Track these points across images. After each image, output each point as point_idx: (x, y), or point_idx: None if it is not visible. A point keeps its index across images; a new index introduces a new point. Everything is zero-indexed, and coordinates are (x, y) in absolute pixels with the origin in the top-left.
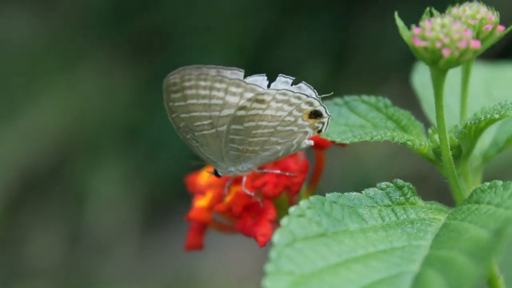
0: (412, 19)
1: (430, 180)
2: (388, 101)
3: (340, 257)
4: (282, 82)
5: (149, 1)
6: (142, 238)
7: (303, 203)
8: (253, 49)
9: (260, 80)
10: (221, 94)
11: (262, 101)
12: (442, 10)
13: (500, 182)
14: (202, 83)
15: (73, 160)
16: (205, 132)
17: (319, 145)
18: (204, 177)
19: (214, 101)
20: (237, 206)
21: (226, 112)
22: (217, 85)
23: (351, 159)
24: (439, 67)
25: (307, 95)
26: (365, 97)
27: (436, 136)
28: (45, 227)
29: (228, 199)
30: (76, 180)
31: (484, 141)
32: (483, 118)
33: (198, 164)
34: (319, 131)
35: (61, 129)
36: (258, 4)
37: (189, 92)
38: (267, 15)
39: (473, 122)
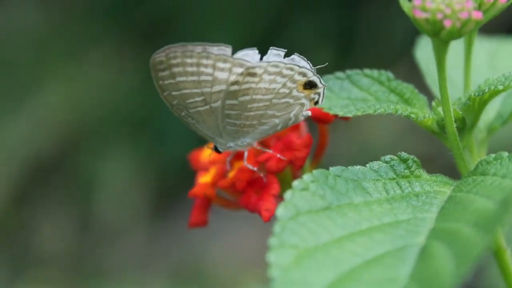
0: None
1: (437, 161)
2: (390, 75)
3: (344, 230)
4: (274, 54)
5: None
6: (150, 225)
7: (306, 176)
8: (260, 35)
9: (251, 53)
10: (209, 70)
11: (254, 75)
12: None
13: (505, 154)
14: (189, 60)
15: (81, 148)
16: (199, 108)
17: (322, 119)
18: (207, 153)
19: (203, 77)
20: (240, 182)
21: (217, 88)
22: (204, 61)
23: (355, 141)
24: (441, 38)
25: (299, 66)
26: (367, 71)
27: (440, 109)
28: (53, 215)
29: (231, 174)
30: (84, 168)
31: (489, 114)
32: (487, 90)
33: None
34: (316, 102)
35: (69, 117)
36: None
37: (176, 69)
38: (271, 5)
39: (477, 94)
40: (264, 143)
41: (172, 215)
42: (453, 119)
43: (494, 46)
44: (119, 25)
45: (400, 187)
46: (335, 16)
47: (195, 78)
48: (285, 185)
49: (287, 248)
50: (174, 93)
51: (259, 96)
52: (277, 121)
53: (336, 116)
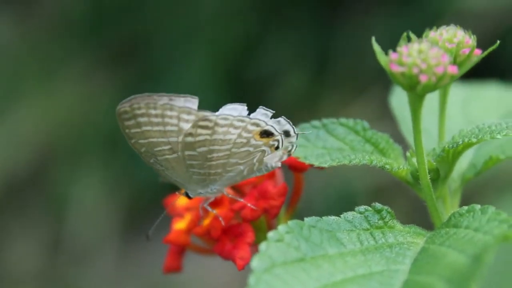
0: (392, 32)
1: (410, 191)
2: (366, 124)
3: (319, 282)
4: (262, 114)
5: (128, 9)
6: (122, 245)
7: (281, 227)
8: (233, 58)
9: (239, 109)
10: (174, 121)
11: (205, 127)
12: (421, 25)
13: (478, 206)
14: (153, 112)
15: (54, 167)
16: (167, 156)
17: (298, 168)
18: (182, 199)
19: (169, 127)
20: (215, 230)
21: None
22: (168, 113)
23: (330, 170)
24: (417, 92)
25: (250, 118)
26: (343, 120)
27: (414, 160)
28: (25, 233)
29: (206, 222)
30: (57, 187)
31: (462, 164)
32: (461, 142)
33: (167, 181)
34: (277, 148)
35: (41, 136)
36: (239, 13)
37: (141, 119)
38: (248, 24)
39: (451, 146)
40: (239, 190)
41: (143, 235)
42: (427, 171)
43: (467, 93)
44: (93, 43)
45: (374, 238)
46: (311, 36)
47: (160, 128)
48: (260, 232)
49: None
50: (141, 141)
51: (216, 147)
52: (241, 167)
53: (311, 165)
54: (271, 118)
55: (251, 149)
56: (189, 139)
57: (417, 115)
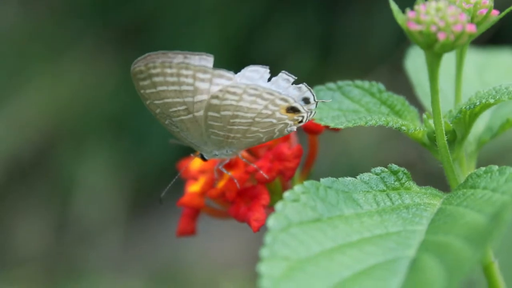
0: (405, 4)
1: (417, 168)
2: (381, 86)
3: (335, 242)
4: (283, 79)
5: None
6: (128, 226)
7: (297, 188)
8: (239, 39)
9: (262, 71)
10: (189, 80)
11: (234, 93)
12: None
13: (495, 167)
14: (168, 70)
15: (59, 149)
16: (182, 117)
17: (313, 130)
18: (196, 162)
19: (184, 87)
20: (230, 191)
21: (199, 97)
22: (184, 71)
23: (339, 148)
24: (434, 51)
25: (279, 92)
26: (358, 82)
27: (431, 121)
28: (31, 216)
29: (221, 184)
30: (62, 169)
31: (479, 127)
32: (478, 103)
33: (178, 143)
34: (300, 122)
35: (47, 118)
36: None
37: (157, 79)
38: (253, 6)
39: (468, 107)
40: (254, 153)
41: (149, 216)
42: (444, 132)
43: (483, 59)
44: (99, 24)
45: (390, 199)
46: (316, 19)
47: (176, 87)
48: (275, 195)
49: (278, 260)
50: (156, 102)
51: (241, 113)
52: (261, 135)
53: (326, 127)
54: (292, 84)
55: (274, 121)
56: (215, 101)
57: (435, 74)
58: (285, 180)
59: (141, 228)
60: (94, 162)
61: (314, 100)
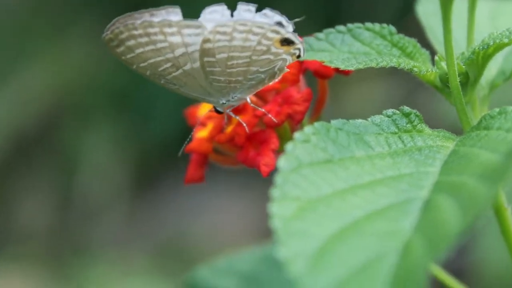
0: None
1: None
2: (393, 28)
3: (347, 183)
4: (244, 10)
5: None
6: (132, 202)
7: (308, 129)
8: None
9: (219, 10)
10: (160, 37)
11: (224, 33)
12: None
13: (510, 108)
14: (135, 32)
15: (63, 125)
16: (174, 74)
17: (323, 74)
18: (204, 108)
19: (159, 45)
20: (239, 136)
21: (179, 51)
22: (150, 30)
23: (348, 109)
24: None
25: (269, 24)
26: (369, 24)
27: (443, 63)
28: (34, 191)
29: (229, 129)
30: (66, 145)
31: (491, 70)
32: (491, 43)
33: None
34: (298, 56)
35: (51, 94)
36: None
37: (129, 43)
38: None
39: (481, 47)
40: (263, 97)
41: (154, 191)
42: (456, 73)
43: (495, 6)
44: (101, 3)
45: (403, 141)
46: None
47: (152, 47)
48: (284, 140)
49: (289, 200)
50: (141, 65)
51: (236, 54)
52: (262, 75)
53: (337, 70)
54: (256, 12)
55: (271, 57)
56: (208, 45)
57: (448, 13)
58: (294, 124)
59: (146, 204)
60: (98, 138)
61: (287, 22)
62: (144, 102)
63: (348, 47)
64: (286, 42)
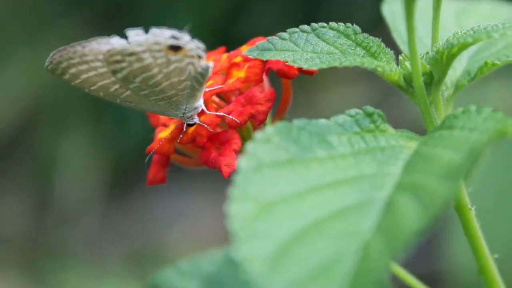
0: None
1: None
2: (357, 28)
3: (308, 183)
4: (136, 34)
5: None
6: (108, 205)
7: (269, 128)
8: (221, 19)
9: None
10: (98, 63)
11: (118, 61)
12: None
13: (473, 107)
14: (73, 61)
15: (39, 129)
16: (125, 94)
17: (285, 74)
18: None
19: (100, 70)
20: (200, 136)
21: (119, 75)
22: (86, 58)
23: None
24: None
25: (146, 39)
26: (333, 24)
27: (407, 63)
28: (10, 194)
29: (191, 129)
30: (43, 148)
31: (456, 71)
32: (455, 43)
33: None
34: (200, 57)
35: (27, 97)
36: None
37: (71, 71)
38: None
39: (445, 47)
40: (226, 98)
41: (130, 195)
42: (420, 73)
43: (462, 6)
44: (78, 6)
45: (365, 141)
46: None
47: (94, 72)
48: (247, 141)
49: (249, 200)
50: (92, 88)
51: (147, 74)
52: (189, 83)
53: (300, 70)
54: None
55: (178, 64)
56: (119, 75)
57: (411, 11)
58: (257, 125)
59: (121, 208)
60: (74, 142)
61: (180, 33)
62: (120, 108)
63: (312, 47)
64: (173, 48)
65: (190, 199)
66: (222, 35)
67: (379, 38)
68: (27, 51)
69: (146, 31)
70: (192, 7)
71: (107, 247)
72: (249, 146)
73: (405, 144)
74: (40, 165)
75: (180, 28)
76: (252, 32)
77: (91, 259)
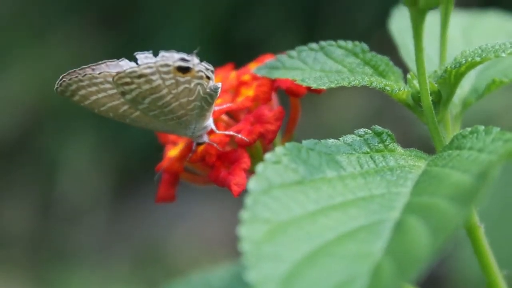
0: None
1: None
2: (365, 46)
3: (318, 204)
4: (145, 57)
5: None
6: (112, 207)
7: (279, 149)
8: (223, 20)
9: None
10: (107, 85)
11: (128, 83)
12: None
13: (481, 127)
14: (82, 84)
15: (44, 130)
16: (135, 114)
17: (294, 92)
18: None
19: (110, 91)
20: (210, 155)
21: (129, 96)
22: (95, 80)
23: (323, 123)
24: (419, 7)
25: (155, 62)
26: (341, 42)
27: (415, 82)
28: (15, 196)
29: (200, 148)
30: (47, 150)
31: (464, 88)
32: (464, 62)
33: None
34: (208, 78)
35: (31, 99)
36: None
37: (81, 93)
38: None
39: (453, 66)
40: (235, 117)
41: (134, 197)
42: (428, 92)
43: (468, 21)
44: (81, 8)
45: (374, 161)
46: (297, 2)
47: (104, 94)
48: (256, 160)
49: (259, 222)
50: (102, 108)
51: (156, 95)
52: (198, 103)
53: (309, 88)
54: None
55: (187, 85)
56: (128, 96)
57: (419, 32)
58: (266, 144)
59: (126, 210)
60: (79, 143)
61: (189, 56)
62: None
63: (320, 65)
64: (182, 70)
65: (194, 202)
66: (223, 37)
67: (381, 45)
68: (31, 54)
69: (155, 53)
70: (193, 9)
71: (112, 249)
72: (259, 167)
73: (414, 164)
74: (45, 167)
75: (185, 35)
76: (253, 33)
77: (96, 260)
